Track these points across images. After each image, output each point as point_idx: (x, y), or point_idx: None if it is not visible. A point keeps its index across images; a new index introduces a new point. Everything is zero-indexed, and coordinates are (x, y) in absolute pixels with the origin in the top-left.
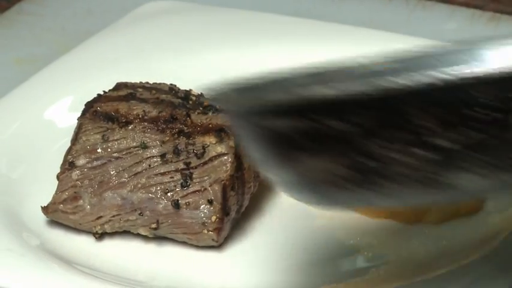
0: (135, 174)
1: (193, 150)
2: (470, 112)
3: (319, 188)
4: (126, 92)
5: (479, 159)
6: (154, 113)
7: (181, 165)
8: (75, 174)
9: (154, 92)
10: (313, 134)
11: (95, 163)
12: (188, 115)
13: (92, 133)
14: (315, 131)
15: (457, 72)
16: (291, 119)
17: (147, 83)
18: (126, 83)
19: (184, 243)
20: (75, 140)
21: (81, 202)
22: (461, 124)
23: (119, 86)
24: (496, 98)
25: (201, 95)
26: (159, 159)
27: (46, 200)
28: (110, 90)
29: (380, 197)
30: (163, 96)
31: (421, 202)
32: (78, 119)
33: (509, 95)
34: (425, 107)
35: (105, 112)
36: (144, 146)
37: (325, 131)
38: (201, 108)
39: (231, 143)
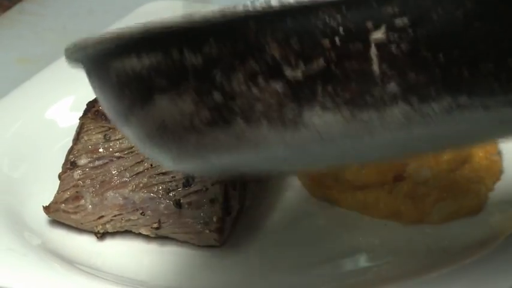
0: (137, 173)
1: None
2: (323, 40)
3: (174, 135)
4: None
5: (334, 94)
6: None
7: None
8: (77, 173)
9: None
10: (165, 70)
11: (97, 163)
12: None
13: (93, 133)
14: (167, 67)
15: None
16: (140, 54)
17: None
18: None
19: (186, 243)
20: (76, 139)
21: (82, 202)
22: (310, 52)
23: None
24: (353, 25)
25: None
26: None
27: (48, 200)
28: None
29: (239, 144)
30: None
31: (284, 156)
32: (79, 119)
33: (366, 24)
34: (275, 34)
35: None
36: None
37: (177, 66)
38: None
39: None
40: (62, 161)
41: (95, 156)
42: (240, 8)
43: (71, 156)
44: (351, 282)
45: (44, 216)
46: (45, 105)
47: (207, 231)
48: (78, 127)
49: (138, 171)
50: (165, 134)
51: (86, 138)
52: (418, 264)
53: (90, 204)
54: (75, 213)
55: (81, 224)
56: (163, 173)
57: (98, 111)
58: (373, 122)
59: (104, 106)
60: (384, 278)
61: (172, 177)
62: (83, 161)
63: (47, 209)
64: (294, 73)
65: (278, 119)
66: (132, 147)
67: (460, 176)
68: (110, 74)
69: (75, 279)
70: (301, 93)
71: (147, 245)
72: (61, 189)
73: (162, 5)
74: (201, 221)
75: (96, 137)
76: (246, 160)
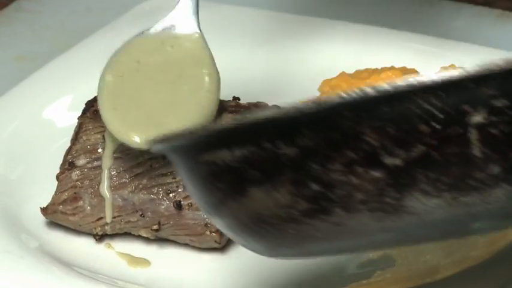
0: (136, 174)
1: None
2: (421, 125)
3: (271, 227)
4: None
5: (435, 179)
6: None
7: None
8: (75, 174)
9: None
10: (258, 163)
11: (96, 163)
12: None
13: (92, 133)
14: (261, 159)
15: (402, 82)
16: (231, 147)
17: None
18: None
19: (186, 245)
20: (75, 139)
21: (81, 203)
22: (408, 139)
23: None
24: (451, 109)
25: None
26: (160, 160)
27: (45, 201)
28: None
29: (338, 232)
30: None
31: (384, 239)
32: (78, 118)
33: (463, 106)
34: (371, 122)
35: None
36: None
37: (271, 158)
38: None
39: None
40: (60, 161)
41: (93, 156)
42: (334, 97)
43: (69, 156)
44: (355, 285)
45: (41, 218)
46: (43, 105)
47: (208, 233)
48: (76, 127)
49: (137, 172)
50: (260, 225)
51: (84, 138)
52: (424, 267)
53: (89, 206)
54: (74, 214)
55: (80, 225)
56: (163, 174)
57: (96, 110)
58: (475, 205)
59: (193, 196)
60: (388, 281)
61: (172, 178)
62: (81, 162)
63: (44, 210)
64: (393, 160)
65: (378, 205)
66: (131, 148)
67: None
68: (200, 166)
69: (73, 282)
70: (401, 180)
71: (146, 247)
72: (59, 190)
73: (162, 2)
74: (202, 223)
75: (95, 137)
76: (345, 246)
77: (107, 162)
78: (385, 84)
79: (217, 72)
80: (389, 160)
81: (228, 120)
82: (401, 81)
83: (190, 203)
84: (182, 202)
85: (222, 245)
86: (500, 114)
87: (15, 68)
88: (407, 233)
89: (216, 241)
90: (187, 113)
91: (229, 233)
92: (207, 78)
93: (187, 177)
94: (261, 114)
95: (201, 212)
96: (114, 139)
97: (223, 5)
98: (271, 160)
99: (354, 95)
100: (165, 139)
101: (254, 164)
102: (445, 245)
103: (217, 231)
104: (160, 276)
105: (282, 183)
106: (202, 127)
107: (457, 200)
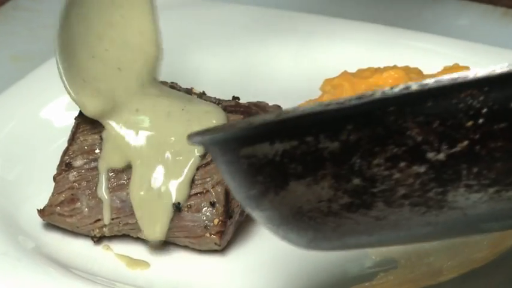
0: None
1: None
2: (466, 120)
3: (311, 220)
4: None
5: (479, 174)
6: None
7: None
8: (72, 175)
9: None
10: (301, 158)
11: (93, 164)
12: None
13: (89, 133)
14: (304, 154)
15: (448, 77)
16: (273, 141)
17: None
18: None
19: (186, 247)
20: (72, 140)
21: (78, 204)
22: (455, 134)
23: None
24: (496, 104)
25: (203, 93)
26: None
27: (42, 203)
28: None
29: (379, 226)
30: None
31: (425, 233)
32: (75, 119)
33: (509, 102)
34: (416, 117)
35: None
36: None
37: (314, 153)
38: None
39: None
40: (57, 162)
41: (91, 157)
42: (378, 92)
43: (66, 157)
44: (358, 287)
45: (38, 220)
46: (40, 105)
47: (208, 235)
48: (73, 127)
49: None
50: (300, 218)
51: (81, 138)
52: (428, 269)
53: (86, 207)
54: (71, 216)
55: (77, 227)
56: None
57: None
58: None
59: (233, 189)
60: (391, 283)
61: None
62: (78, 162)
63: (41, 212)
64: (437, 155)
65: (421, 200)
66: None
67: None
68: (240, 160)
69: (72, 284)
70: (445, 175)
71: (146, 249)
72: (56, 192)
73: (160, 0)
74: (202, 225)
75: (92, 137)
76: (384, 239)
77: (104, 163)
78: (430, 80)
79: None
80: (433, 155)
81: (269, 114)
82: (446, 77)
83: (190, 204)
84: (181, 204)
85: (222, 247)
86: None
87: (12, 67)
88: (448, 227)
89: (216, 243)
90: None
91: (268, 226)
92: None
93: (226, 170)
94: (304, 109)
95: (200, 214)
96: (111, 139)
97: (224, 4)
98: (313, 154)
99: (398, 90)
100: (206, 132)
101: (296, 158)
102: (448, 247)
103: (217, 233)
104: (160, 279)
105: (324, 177)
106: (244, 121)
107: (500, 195)
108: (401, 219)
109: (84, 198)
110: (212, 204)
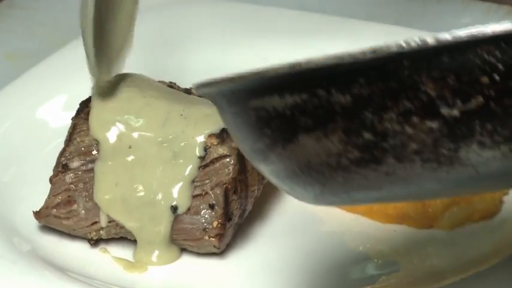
0: None
1: None
2: (482, 76)
3: (319, 174)
4: None
5: (492, 131)
6: None
7: None
8: (69, 177)
9: None
10: (311, 110)
11: (90, 165)
12: None
13: (86, 134)
14: (314, 107)
15: (465, 32)
16: (283, 93)
17: None
18: None
19: (184, 250)
20: (68, 141)
21: (75, 207)
22: (468, 90)
23: None
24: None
25: None
26: None
27: (38, 204)
28: None
29: (388, 181)
30: None
31: (433, 189)
32: (72, 119)
33: None
34: (430, 72)
35: None
36: None
37: (325, 106)
38: None
39: (234, 144)
40: (54, 163)
41: (88, 158)
42: (393, 46)
43: (63, 158)
44: None
45: (34, 222)
46: (36, 104)
47: (207, 238)
48: (70, 128)
49: None
50: (309, 173)
51: (78, 139)
52: (430, 272)
53: (83, 209)
54: (67, 218)
55: (74, 230)
56: None
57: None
58: None
59: (239, 143)
60: (393, 286)
61: None
62: (75, 164)
63: (37, 214)
64: (451, 111)
65: (432, 156)
66: None
67: None
68: (249, 112)
69: (67, 287)
70: (458, 131)
71: None
72: (52, 194)
73: (157, 0)
74: (200, 227)
75: (89, 138)
76: (391, 194)
77: (101, 164)
78: (446, 34)
79: None
80: (447, 111)
81: (281, 66)
82: (463, 32)
83: (188, 206)
84: (179, 206)
85: (221, 250)
86: None
87: (8, 66)
88: (459, 184)
89: (215, 246)
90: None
91: (274, 180)
92: None
93: (234, 122)
94: (315, 61)
95: (199, 216)
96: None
97: (225, 2)
98: (324, 108)
99: (414, 44)
100: (213, 83)
101: (306, 112)
102: (452, 248)
103: (216, 235)
104: (158, 282)
105: (334, 131)
106: (254, 72)
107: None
108: (412, 175)
109: (81, 200)
110: (211, 207)
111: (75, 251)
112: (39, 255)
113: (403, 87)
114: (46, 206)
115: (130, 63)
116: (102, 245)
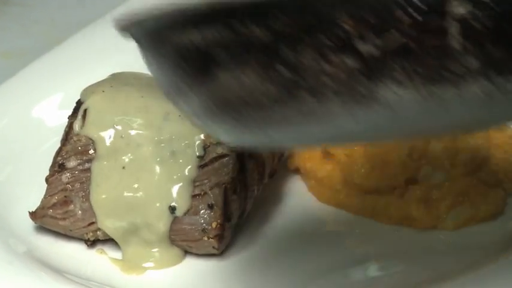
0: None
1: None
2: (399, 13)
3: (235, 110)
4: None
5: (410, 69)
6: None
7: None
8: (65, 176)
9: None
10: (228, 44)
11: (87, 165)
12: None
13: (83, 133)
14: (230, 41)
15: None
16: (201, 27)
17: None
18: None
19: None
20: (65, 140)
21: (71, 207)
22: (385, 26)
23: None
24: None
25: None
26: None
27: (34, 205)
28: None
29: (305, 120)
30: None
31: (352, 130)
32: (68, 118)
33: None
34: (347, 7)
35: None
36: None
37: (241, 41)
38: None
39: None
40: (50, 163)
41: (84, 158)
42: None
43: (59, 158)
44: None
45: (30, 222)
46: (32, 103)
47: (206, 239)
48: (67, 127)
49: None
50: (226, 109)
51: (75, 138)
52: (432, 273)
53: (80, 210)
54: (64, 219)
55: (70, 230)
56: None
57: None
58: (450, 98)
59: (160, 82)
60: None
61: None
62: (71, 163)
63: (33, 214)
64: (368, 47)
65: (349, 95)
66: None
67: (477, 179)
68: (167, 48)
69: None
70: (375, 69)
71: None
72: (48, 194)
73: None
74: (199, 228)
75: (86, 137)
76: (309, 134)
77: (98, 164)
78: None
79: None
80: (363, 47)
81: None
82: None
83: (187, 207)
84: (178, 207)
85: (220, 251)
86: (484, 8)
87: (3, 64)
88: (378, 127)
89: (214, 247)
90: None
91: (194, 119)
92: None
93: (154, 60)
94: None
95: (198, 217)
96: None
97: None
98: (241, 42)
99: None
100: (136, 22)
101: (223, 46)
102: (455, 249)
103: (215, 236)
104: (156, 284)
105: (252, 67)
106: (171, 6)
107: (430, 93)
108: (329, 114)
109: (78, 200)
110: (210, 207)
111: (72, 252)
112: (36, 256)
113: (320, 22)
114: (42, 207)
115: (130, 62)
116: (99, 246)
